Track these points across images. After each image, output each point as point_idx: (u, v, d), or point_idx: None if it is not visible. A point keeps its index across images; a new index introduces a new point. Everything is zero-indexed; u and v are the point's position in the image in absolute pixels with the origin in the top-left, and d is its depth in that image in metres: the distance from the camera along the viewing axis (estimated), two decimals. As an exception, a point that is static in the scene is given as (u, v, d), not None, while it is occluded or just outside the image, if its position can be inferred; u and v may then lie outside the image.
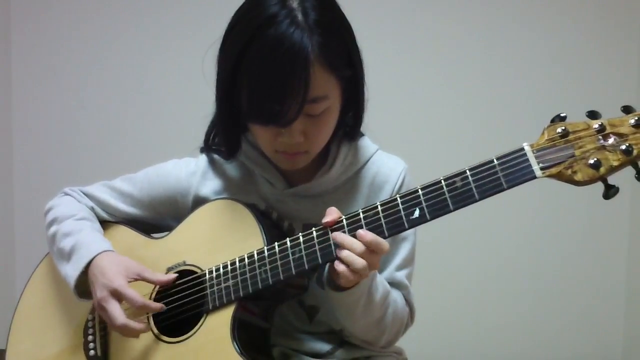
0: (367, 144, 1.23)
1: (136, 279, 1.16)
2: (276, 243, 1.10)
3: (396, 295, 1.18)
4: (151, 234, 1.29)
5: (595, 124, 0.91)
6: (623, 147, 0.89)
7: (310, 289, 1.18)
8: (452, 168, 0.99)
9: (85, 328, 1.24)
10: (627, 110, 0.91)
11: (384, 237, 1.02)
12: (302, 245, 1.07)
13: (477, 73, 2.34)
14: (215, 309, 1.13)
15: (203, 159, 1.27)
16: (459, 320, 2.41)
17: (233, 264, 1.12)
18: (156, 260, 1.22)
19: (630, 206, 2.29)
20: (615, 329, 2.38)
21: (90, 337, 1.23)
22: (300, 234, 1.08)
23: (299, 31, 1.02)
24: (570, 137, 0.92)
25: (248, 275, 1.10)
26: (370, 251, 1.02)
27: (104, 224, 1.31)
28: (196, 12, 2.40)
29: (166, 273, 1.20)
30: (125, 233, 1.29)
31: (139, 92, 2.48)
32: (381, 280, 1.14)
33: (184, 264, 1.19)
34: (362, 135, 1.23)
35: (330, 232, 1.05)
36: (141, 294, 1.16)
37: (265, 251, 1.10)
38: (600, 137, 0.90)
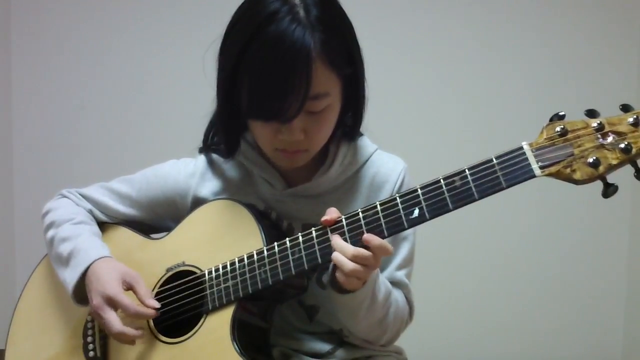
0: (366, 143, 1.23)
1: (128, 289, 1.16)
2: (275, 243, 1.10)
3: (397, 294, 1.18)
4: (150, 235, 1.29)
5: (594, 123, 0.91)
6: (622, 145, 0.89)
7: (310, 289, 1.18)
8: (451, 167, 0.99)
9: (84, 329, 1.24)
10: (625, 108, 0.91)
11: (384, 237, 1.02)
12: (302, 246, 1.07)
13: (476, 72, 2.34)
14: (215, 309, 1.13)
15: (202, 159, 1.27)
16: (459, 320, 2.41)
17: (232, 264, 1.12)
18: (155, 261, 1.22)
19: (631, 205, 2.29)
20: (615, 329, 2.38)
21: (89, 338, 1.23)
22: (299, 234, 1.08)
23: (301, 28, 1.02)
24: (569, 135, 0.92)
25: (248, 275, 1.10)
26: (371, 254, 1.01)
27: (103, 225, 1.31)
28: (195, 13, 2.40)
29: (165, 273, 1.20)
30: (124, 234, 1.29)
31: (139, 93, 2.48)
32: (383, 280, 1.14)
33: (184, 264, 1.19)
34: (361, 135, 1.23)
35: (329, 232, 1.05)
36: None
37: (265, 251, 1.10)
38: (599, 135, 0.91)
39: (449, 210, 0.98)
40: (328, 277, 1.13)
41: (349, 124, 1.20)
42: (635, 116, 0.89)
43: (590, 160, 0.90)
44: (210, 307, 1.13)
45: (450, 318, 2.39)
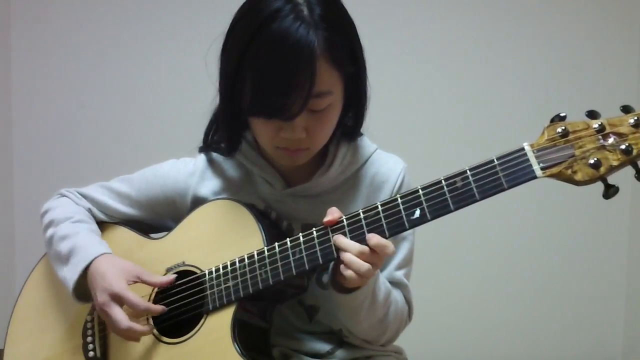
0: (366, 143, 1.23)
1: (135, 282, 1.16)
2: (276, 243, 1.10)
3: (396, 294, 1.19)
4: (150, 235, 1.29)
5: (595, 124, 0.91)
6: (623, 146, 0.89)
7: (310, 289, 1.18)
8: (452, 168, 0.99)
9: (84, 329, 1.24)
10: (626, 110, 0.91)
11: (385, 238, 1.02)
12: (303, 246, 1.07)
13: (477, 73, 2.34)
14: (216, 309, 1.13)
15: (201, 158, 1.27)
16: (459, 320, 2.41)
17: (233, 264, 1.12)
18: (155, 261, 1.22)
19: (630, 206, 2.29)
20: (615, 329, 2.38)
21: (89, 338, 1.23)
22: (300, 234, 1.08)
23: (304, 26, 1.02)
24: (570, 136, 0.92)
25: (248, 275, 1.10)
26: (375, 253, 1.01)
27: (102, 225, 1.31)
28: (195, 13, 2.40)
29: (165, 274, 1.20)
30: (123, 234, 1.29)
31: (139, 93, 2.48)
32: (383, 280, 1.14)
33: (184, 264, 1.19)
34: (361, 135, 1.23)
35: (330, 232, 1.05)
36: (140, 295, 1.16)
37: (266, 251, 1.10)
38: (600, 136, 0.90)
39: (450, 211, 0.98)
40: (328, 277, 1.13)
41: (350, 124, 1.20)
42: (636, 117, 0.89)
43: (592, 161, 0.90)
44: (210, 307, 1.13)
45: (451, 318, 2.39)
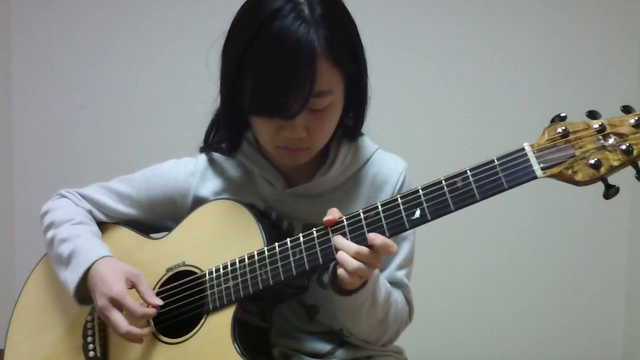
0: (367, 143, 1.23)
1: (132, 287, 1.16)
2: (276, 244, 1.10)
3: (397, 295, 1.19)
4: (150, 235, 1.29)
5: (595, 124, 0.91)
6: (623, 147, 0.89)
7: (310, 289, 1.18)
8: (452, 168, 0.99)
9: (84, 329, 1.24)
10: (626, 110, 0.91)
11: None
12: (303, 246, 1.07)
13: (478, 73, 2.34)
14: (216, 309, 1.13)
15: (202, 159, 1.27)
16: (459, 320, 2.41)
17: (233, 264, 1.12)
18: (156, 261, 1.22)
19: (631, 206, 2.29)
20: (616, 329, 2.38)
21: (89, 338, 1.23)
22: (300, 234, 1.08)
23: (305, 25, 1.02)
24: (571, 137, 0.92)
25: (248, 276, 1.10)
26: (374, 253, 1.01)
27: (103, 225, 1.31)
28: (196, 13, 2.40)
29: (166, 274, 1.20)
30: (124, 234, 1.29)
31: (139, 93, 2.47)
32: (383, 281, 1.14)
33: (184, 264, 1.19)
34: (362, 135, 1.23)
35: (330, 232, 1.05)
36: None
37: (266, 251, 1.10)
38: (601, 137, 0.90)
39: (451, 211, 0.98)
40: (328, 278, 1.13)
41: (351, 124, 1.20)
42: (636, 117, 0.89)
43: (592, 161, 0.90)
44: (210, 308, 1.13)
45: (450, 318, 2.39)
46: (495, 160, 0.95)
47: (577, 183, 0.92)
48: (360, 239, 1.02)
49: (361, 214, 1.04)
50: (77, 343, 1.24)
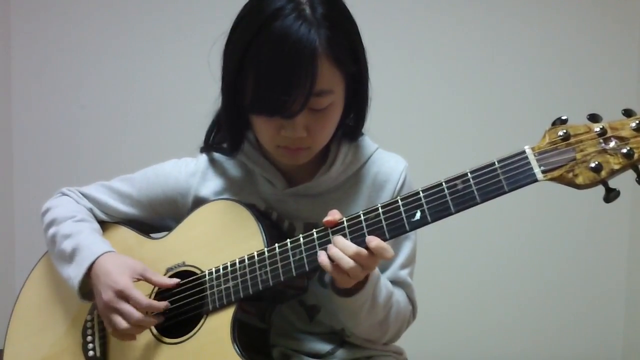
0: (367, 143, 1.23)
1: (139, 279, 1.16)
2: (276, 244, 1.10)
3: (399, 295, 1.19)
4: (150, 234, 1.29)
5: (597, 127, 0.91)
6: (624, 150, 0.89)
7: (311, 289, 1.18)
8: (453, 170, 0.99)
9: (84, 328, 1.25)
10: (628, 113, 0.91)
11: (385, 239, 1.02)
12: (303, 247, 1.07)
13: (479, 75, 2.34)
14: (215, 310, 1.13)
15: (203, 159, 1.27)
16: (460, 321, 2.41)
17: (233, 265, 1.12)
18: (156, 261, 1.22)
19: (631, 208, 2.30)
20: (616, 329, 2.38)
21: (89, 338, 1.23)
22: (300, 235, 1.08)
23: (307, 25, 1.02)
24: (572, 140, 0.92)
25: (248, 276, 1.10)
26: (372, 256, 1.01)
27: (103, 224, 1.31)
28: (196, 13, 2.40)
29: (165, 274, 1.20)
30: (124, 233, 1.29)
31: (139, 93, 2.47)
32: (384, 282, 1.14)
33: (184, 264, 1.19)
34: (362, 134, 1.23)
35: (330, 233, 1.05)
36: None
37: (266, 252, 1.10)
38: (602, 140, 0.90)
39: (451, 214, 0.98)
40: (328, 278, 1.13)
41: (351, 124, 1.20)
42: (637, 121, 0.89)
43: (593, 164, 0.90)
44: (210, 308, 1.13)
45: (451, 318, 2.39)
46: (496, 163, 0.95)
47: (578, 186, 0.92)
48: (360, 240, 1.02)
49: (361, 215, 1.04)
50: (76, 342, 1.25)
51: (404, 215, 1.01)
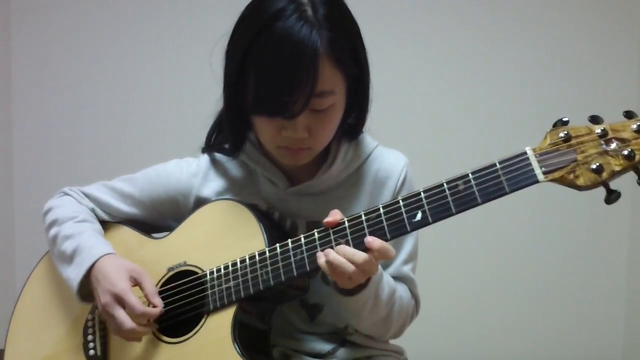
0: (367, 140, 1.24)
1: (135, 284, 1.16)
2: (277, 244, 1.10)
3: (402, 291, 1.19)
4: (152, 234, 1.29)
5: (598, 129, 0.91)
6: (625, 152, 0.89)
7: (314, 287, 1.18)
8: (454, 172, 0.99)
9: (84, 328, 1.25)
10: (629, 115, 0.91)
11: (386, 240, 1.02)
12: (304, 247, 1.07)
13: (480, 76, 2.34)
14: (216, 309, 1.13)
15: (204, 159, 1.27)
16: (460, 321, 2.41)
17: (234, 264, 1.13)
18: (157, 261, 1.22)
19: (631, 209, 2.30)
20: (616, 329, 2.39)
21: (90, 337, 1.23)
22: (301, 235, 1.08)
23: (308, 25, 1.02)
24: (573, 141, 0.92)
25: (249, 276, 1.11)
26: (374, 259, 1.01)
27: (105, 224, 1.31)
28: (197, 14, 2.40)
29: (167, 273, 1.20)
30: (126, 233, 1.29)
31: (139, 93, 2.47)
32: (387, 278, 1.14)
33: (185, 264, 1.19)
34: (362, 132, 1.23)
35: (332, 234, 1.05)
36: (139, 296, 1.16)
37: (267, 252, 1.10)
38: (603, 142, 0.91)
39: (452, 214, 0.98)
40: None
41: (352, 123, 1.20)
42: (638, 123, 0.89)
43: (594, 166, 0.90)
44: (211, 308, 1.13)
45: (451, 318, 2.39)
46: (497, 164, 0.96)
47: (579, 188, 0.92)
48: (360, 241, 1.03)
49: (363, 216, 1.04)
50: (77, 342, 1.25)
51: (405, 215, 1.01)
